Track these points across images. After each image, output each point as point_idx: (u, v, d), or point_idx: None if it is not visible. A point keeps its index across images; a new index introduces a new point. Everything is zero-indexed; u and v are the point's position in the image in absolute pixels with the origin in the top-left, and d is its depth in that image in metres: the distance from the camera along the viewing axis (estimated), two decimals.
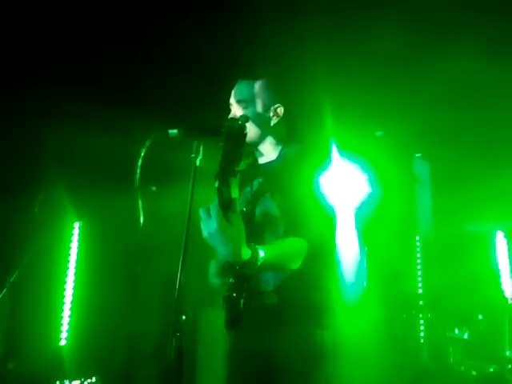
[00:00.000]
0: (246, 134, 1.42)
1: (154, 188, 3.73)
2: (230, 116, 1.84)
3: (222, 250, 1.46)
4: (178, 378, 1.43)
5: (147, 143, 1.54)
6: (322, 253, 1.73)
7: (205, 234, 1.45)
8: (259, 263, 1.48)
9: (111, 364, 3.81)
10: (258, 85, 1.85)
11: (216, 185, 1.40)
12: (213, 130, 1.57)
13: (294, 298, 1.70)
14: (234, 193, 1.41)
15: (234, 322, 1.67)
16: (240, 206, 1.80)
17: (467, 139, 4.11)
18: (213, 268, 1.78)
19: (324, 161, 1.80)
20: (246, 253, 1.45)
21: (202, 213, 1.43)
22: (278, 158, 1.88)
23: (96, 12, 3.15)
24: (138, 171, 1.53)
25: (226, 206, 1.39)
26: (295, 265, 1.63)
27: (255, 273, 1.53)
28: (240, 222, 1.44)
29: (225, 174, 1.39)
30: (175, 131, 1.57)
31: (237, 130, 1.41)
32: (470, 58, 3.42)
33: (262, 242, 1.57)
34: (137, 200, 1.53)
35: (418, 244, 5.13)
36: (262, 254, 1.49)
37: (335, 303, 1.77)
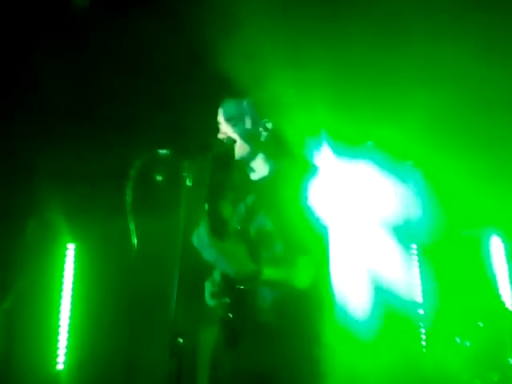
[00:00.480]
0: (233, 156, 1.42)
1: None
2: (220, 135, 1.84)
3: (224, 269, 1.52)
4: None
5: (137, 164, 1.53)
6: (321, 272, 1.73)
7: (205, 256, 1.48)
8: (263, 279, 1.53)
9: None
10: (245, 102, 1.86)
11: (206, 208, 1.40)
12: (203, 148, 1.57)
13: (291, 317, 1.68)
14: (226, 214, 1.41)
15: (231, 343, 1.66)
16: (234, 224, 1.79)
17: (459, 143, 4.11)
18: (208, 288, 1.76)
19: (316, 174, 1.80)
20: (249, 268, 1.50)
21: (196, 243, 1.45)
22: (269, 173, 1.88)
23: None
24: (129, 194, 1.52)
25: (218, 228, 1.40)
26: (302, 283, 1.63)
27: (257, 288, 1.54)
28: (236, 239, 1.45)
29: (214, 197, 1.39)
30: (165, 151, 1.57)
31: (224, 152, 1.41)
32: (464, 61, 3.44)
33: (257, 259, 1.57)
34: (129, 223, 1.52)
35: (415, 251, 5.12)
36: (266, 270, 1.54)
37: (333, 320, 1.75)
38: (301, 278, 1.64)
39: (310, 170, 1.81)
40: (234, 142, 1.45)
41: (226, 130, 1.84)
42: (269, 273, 1.54)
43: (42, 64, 3.26)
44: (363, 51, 3.46)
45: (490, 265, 4.91)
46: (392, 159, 4.45)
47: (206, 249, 1.46)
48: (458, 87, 3.65)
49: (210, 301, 1.74)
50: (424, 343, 4.52)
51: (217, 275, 1.72)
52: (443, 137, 4.11)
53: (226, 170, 1.40)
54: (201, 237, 1.46)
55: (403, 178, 4.64)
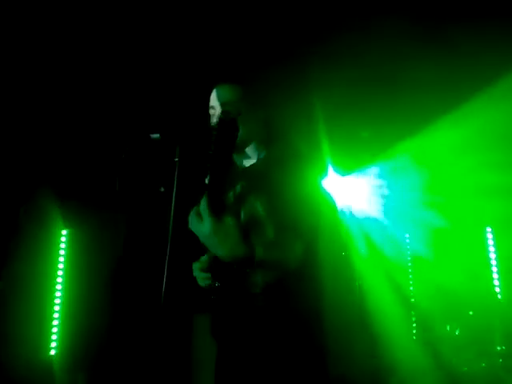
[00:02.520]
0: (238, 127, 1.41)
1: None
2: (214, 119, 1.83)
3: (219, 252, 1.47)
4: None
5: (128, 148, 1.53)
6: (311, 254, 1.73)
7: (200, 236, 1.45)
8: (257, 260, 1.50)
9: (102, 373, 3.77)
10: (241, 88, 1.84)
11: (206, 181, 1.38)
12: (195, 133, 1.56)
13: (281, 301, 1.68)
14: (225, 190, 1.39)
15: (219, 327, 1.66)
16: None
17: (453, 135, 4.13)
18: (196, 269, 1.75)
19: (308, 162, 1.80)
20: (243, 250, 1.46)
21: (192, 216, 1.42)
22: (259, 160, 1.87)
23: None
24: (118, 176, 1.51)
25: (217, 204, 1.38)
26: (291, 264, 1.62)
27: (243, 272, 1.52)
28: (232, 218, 1.44)
29: (217, 170, 1.37)
30: (157, 135, 1.56)
31: (230, 122, 1.40)
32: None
33: (248, 245, 1.57)
34: (119, 205, 1.52)
35: (407, 241, 5.16)
36: (259, 251, 1.51)
37: (324, 306, 1.76)
38: (292, 259, 1.63)
39: (302, 158, 1.81)
40: (240, 113, 1.44)
41: (219, 114, 1.82)
42: (260, 255, 1.53)
43: None
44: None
45: (484, 256, 4.95)
46: (388, 153, 4.47)
47: (203, 226, 1.42)
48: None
49: (199, 280, 1.73)
50: (414, 331, 4.57)
51: (204, 258, 1.71)
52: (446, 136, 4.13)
53: (231, 139, 1.38)
54: (200, 213, 1.42)
55: (397, 172, 4.67)
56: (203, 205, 1.41)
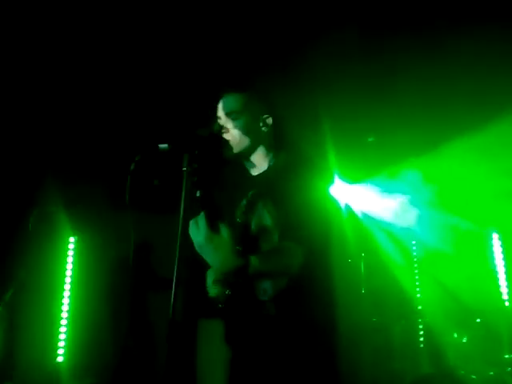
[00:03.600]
0: (222, 140, 1.43)
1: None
2: (221, 128, 1.85)
3: (210, 260, 1.51)
4: None
5: (137, 158, 1.54)
6: (318, 262, 1.73)
7: (195, 245, 1.48)
8: (251, 270, 1.50)
9: (110, 380, 3.78)
10: (245, 96, 1.86)
11: (197, 194, 1.42)
12: (203, 142, 1.58)
13: (291, 309, 1.69)
14: (218, 201, 1.43)
15: (233, 334, 1.67)
16: (237, 218, 1.81)
17: (457, 142, 4.13)
18: (210, 278, 1.76)
19: (316, 170, 1.81)
20: (235, 261, 1.47)
21: (191, 225, 1.45)
22: (268, 168, 1.89)
23: None
24: (128, 188, 1.53)
25: (211, 215, 1.42)
26: (292, 270, 1.63)
27: (249, 281, 1.53)
28: (227, 230, 1.46)
29: (205, 182, 1.41)
30: (165, 145, 1.58)
31: (209, 136, 1.42)
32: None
33: (241, 256, 1.56)
34: (128, 216, 1.54)
35: (414, 248, 5.14)
36: (253, 261, 1.51)
37: (333, 314, 1.76)
38: (294, 264, 1.64)
39: (309, 165, 1.82)
40: (220, 126, 1.47)
41: (226, 124, 1.83)
42: (257, 264, 1.53)
43: None
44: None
45: (491, 262, 4.92)
46: (394, 159, 4.47)
47: (198, 235, 1.47)
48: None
49: (211, 290, 1.73)
50: (421, 339, 4.55)
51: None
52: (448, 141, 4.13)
53: (214, 153, 1.43)
54: (199, 227, 1.47)
55: (405, 179, 4.67)
56: (202, 214, 1.45)
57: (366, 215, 4.79)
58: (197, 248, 1.48)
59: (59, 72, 3.45)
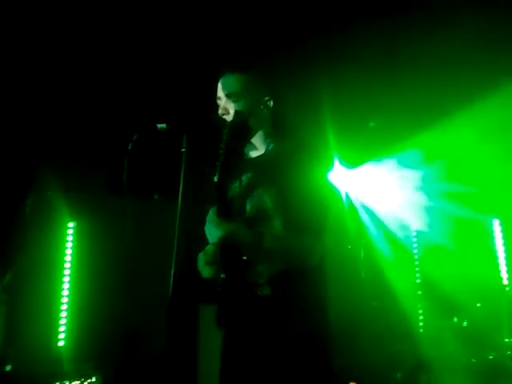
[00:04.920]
0: (249, 127, 1.43)
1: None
2: (220, 110, 1.82)
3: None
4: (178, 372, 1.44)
5: (134, 138, 1.52)
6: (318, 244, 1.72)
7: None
8: (266, 248, 1.54)
9: (111, 363, 3.80)
10: (247, 78, 1.82)
11: (215, 179, 1.40)
12: (202, 123, 1.56)
13: (286, 291, 1.68)
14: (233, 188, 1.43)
15: (224, 317, 1.66)
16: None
17: (459, 127, 4.10)
18: (201, 260, 1.73)
19: (316, 155, 1.79)
20: (251, 237, 1.53)
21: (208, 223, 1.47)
22: (266, 151, 1.85)
23: None
24: (126, 169, 1.51)
25: (225, 204, 1.42)
26: (299, 258, 1.65)
27: (245, 263, 1.54)
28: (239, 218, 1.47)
29: (226, 169, 1.39)
30: (163, 125, 1.55)
31: (240, 123, 1.41)
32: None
33: (258, 233, 1.58)
34: (126, 198, 1.52)
35: (414, 234, 5.14)
36: (267, 240, 1.55)
37: (328, 296, 1.75)
38: (300, 253, 1.65)
39: (310, 149, 1.80)
40: (250, 114, 1.47)
41: (226, 105, 1.80)
42: (268, 246, 1.56)
43: None
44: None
45: (491, 247, 4.93)
46: (398, 145, 4.45)
47: (213, 228, 1.50)
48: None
49: (204, 272, 1.70)
50: (421, 323, 4.57)
51: (210, 247, 1.70)
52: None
53: (241, 140, 1.41)
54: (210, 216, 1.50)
55: (408, 165, 4.66)
56: (214, 210, 1.47)
57: (364, 202, 4.77)
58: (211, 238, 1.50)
59: (55, 56, 3.41)
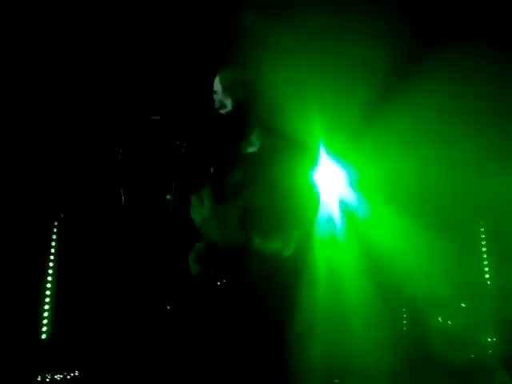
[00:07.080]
0: (245, 122, 1.43)
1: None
2: (217, 104, 1.81)
3: (216, 237, 1.49)
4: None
5: (129, 130, 1.51)
6: (305, 245, 1.74)
7: (197, 220, 1.47)
8: (255, 246, 1.51)
9: (94, 358, 3.78)
10: (242, 72, 1.82)
11: (212, 170, 1.41)
12: (198, 115, 1.56)
13: (276, 287, 1.67)
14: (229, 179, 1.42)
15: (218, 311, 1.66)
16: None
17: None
18: (192, 257, 1.73)
19: (308, 153, 1.81)
20: (239, 237, 1.48)
21: (193, 200, 1.44)
22: (261, 148, 1.86)
23: None
24: (120, 159, 1.50)
25: (219, 190, 1.41)
26: (287, 255, 1.65)
27: (246, 258, 1.54)
28: (233, 205, 1.45)
29: (224, 158, 1.40)
30: (158, 117, 1.55)
31: (236, 117, 1.42)
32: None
33: (246, 232, 1.57)
34: (119, 186, 1.51)
35: (399, 233, 5.17)
36: (256, 240, 1.53)
37: (313, 290, 1.77)
38: (287, 250, 1.66)
39: (303, 149, 1.82)
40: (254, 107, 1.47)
41: (222, 99, 1.80)
42: (256, 244, 1.54)
43: None
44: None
45: (475, 248, 5.00)
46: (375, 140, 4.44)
47: (203, 210, 1.46)
48: None
49: (193, 268, 1.70)
50: (405, 322, 4.61)
51: (200, 245, 1.70)
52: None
53: (236, 134, 1.42)
54: (201, 197, 1.46)
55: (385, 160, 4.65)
56: (205, 189, 1.44)
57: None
58: (199, 223, 1.47)
59: (54, 56, 3.37)
